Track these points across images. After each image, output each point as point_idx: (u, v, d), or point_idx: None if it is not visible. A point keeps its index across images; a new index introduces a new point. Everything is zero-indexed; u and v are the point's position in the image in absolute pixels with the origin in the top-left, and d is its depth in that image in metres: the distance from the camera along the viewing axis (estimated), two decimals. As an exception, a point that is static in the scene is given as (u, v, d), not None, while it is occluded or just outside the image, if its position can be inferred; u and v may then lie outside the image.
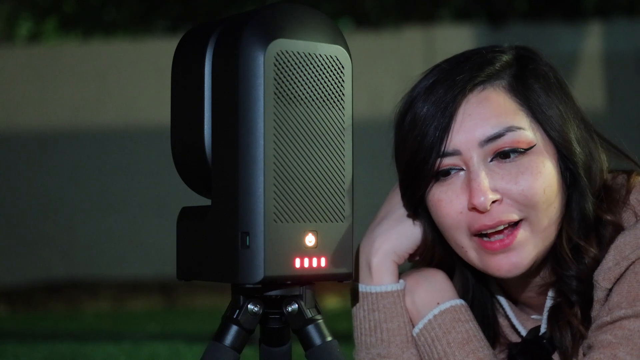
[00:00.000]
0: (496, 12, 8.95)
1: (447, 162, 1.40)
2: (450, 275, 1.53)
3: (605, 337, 1.34)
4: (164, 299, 7.45)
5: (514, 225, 1.39)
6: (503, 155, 1.39)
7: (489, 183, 1.38)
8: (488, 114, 1.39)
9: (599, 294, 1.38)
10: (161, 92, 7.36)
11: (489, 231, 1.39)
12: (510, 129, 1.39)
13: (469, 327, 1.45)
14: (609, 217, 1.41)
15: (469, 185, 1.38)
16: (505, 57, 1.45)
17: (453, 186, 1.41)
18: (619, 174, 1.47)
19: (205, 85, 1.22)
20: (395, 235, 1.47)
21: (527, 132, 1.39)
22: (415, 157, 1.41)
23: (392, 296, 1.46)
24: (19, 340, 4.52)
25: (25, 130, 8.34)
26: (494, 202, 1.38)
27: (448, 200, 1.41)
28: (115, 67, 8.35)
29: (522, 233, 1.39)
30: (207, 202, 1.25)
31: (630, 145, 1.52)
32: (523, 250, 1.39)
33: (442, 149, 1.39)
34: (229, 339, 1.23)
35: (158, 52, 7.78)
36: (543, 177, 1.39)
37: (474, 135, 1.39)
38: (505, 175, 1.38)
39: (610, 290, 1.37)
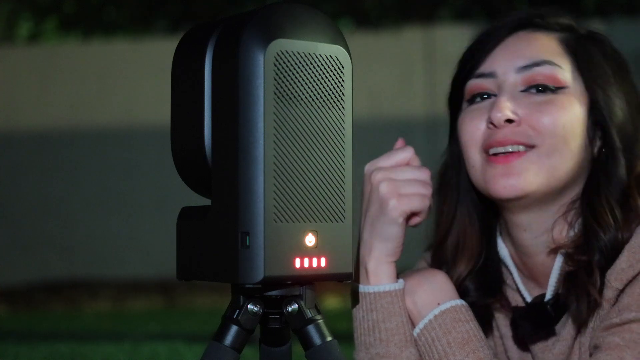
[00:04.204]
0: (496, 12, 8.95)
1: (482, 84, 1.47)
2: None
3: (612, 339, 1.34)
4: (164, 299, 7.45)
5: (524, 149, 1.42)
6: (534, 89, 1.44)
7: (510, 105, 1.43)
8: (531, 48, 1.46)
9: (609, 294, 1.37)
10: (161, 92, 7.37)
11: (500, 150, 1.43)
12: (549, 62, 1.45)
13: (469, 327, 1.45)
14: None
15: (492, 104, 1.44)
16: (574, 25, 1.51)
17: (479, 110, 1.47)
18: None
19: (205, 85, 1.22)
20: (379, 238, 1.45)
21: (565, 72, 1.45)
22: (462, 65, 1.51)
23: (390, 296, 1.45)
24: (19, 340, 4.51)
25: (25, 130, 8.35)
26: (510, 122, 1.42)
27: (471, 118, 1.47)
28: (115, 67, 8.36)
29: (528, 157, 1.42)
30: (207, 202, 1.25)
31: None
32: (523, 175, 1.41)
33: (478, 69, 1.48)
34: (229, 339, 1.23)
35: (158, 52, 7.78)
36: (565, 113, 1.43)
37: (512, 62, 1.45)
38: (530, 104, 1.43)
39: (622, 291, 1.36)
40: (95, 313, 7.02)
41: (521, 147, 1.42)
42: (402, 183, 1.45)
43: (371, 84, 7.77)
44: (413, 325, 1.47)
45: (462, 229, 1.54)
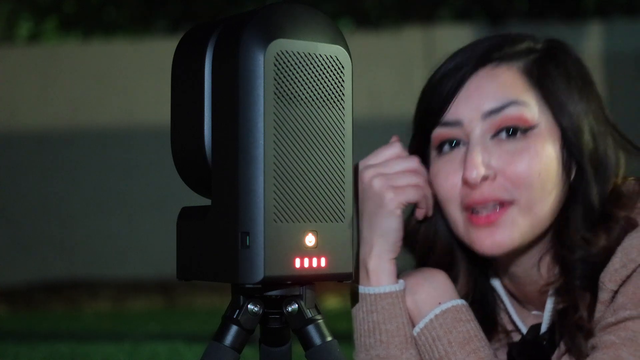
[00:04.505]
0: (496, 12, 8.95)
1: (449, 132, 1.43)
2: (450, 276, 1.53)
3: (609, 338, 1.35)
4: (164, 299, 7.45)
5: (504, 205, 1.41)
6: (504, 134, 1.41)
7: (483, 159, 1.40)
8: (495, 88, 1.42)
9: (604, 296, 1.38)
10: (161, 92, 7.36)
11: (479, 207, 1.41)
12: (514, 102, 1.40)
13: (470, 327, 1.45)
14: (622, 213, 1.41)
15: (465, 159, 1.41)
16: (531, 44, 1.47)
17: (452, 161, 1.44)
18: (628, 179, 1.47)
19: (205, 85, 1.22)
20: (377, 233, 1.46)
21: (532, 109, 1.41)
22: (425, 112, 1.47)
23: (390, 297, 1.45)
24: (19, 340, 4.52)
25: (25, 130, 8.35)
26: (486, 178, 1.40)
27: (445, 173, 1.44)
28: (115, 67, 8.36)
29: (509, 213, 1.40)
30: (207, 202, 1.25)
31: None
32: (508, 230, 1.41)
33: (442, 117, 1.43)
34: (229, 339, 1.23)
35: (158, 52, 7.78)
36: (539, 160, 1.40)
37: (477, 107, 1.41)
38: (503, 154, 1.40)
39: (616, 292, 1.37)
40: (95, 313, 7.01)
41: (500, 203, 1.41)
42: (394, 176, 1.46)
43: (371, 84, 7.77)
44: (413, 325, 1.47)
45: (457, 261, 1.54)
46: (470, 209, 1.42)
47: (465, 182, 1.41)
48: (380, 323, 1.45)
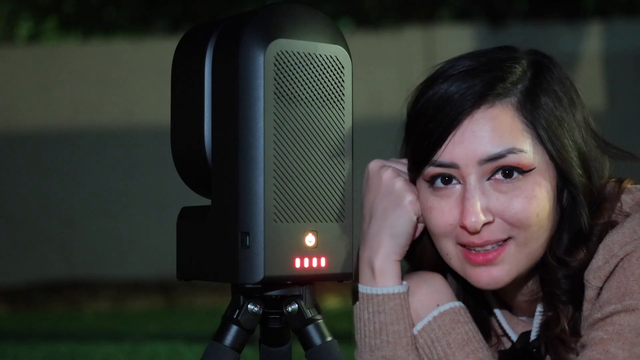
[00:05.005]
0: (496, 12, 8.95)
1: (443, 171, 1.41)
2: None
3: (597, 334, 1.35)
4: (164, 299, 7.46)
5: (501, 241, 1.40)
6: (501, 174, 1.39)
7: (482, 204, 1.39)
8: (492, 133, 1.39)
9: (590, 293, 1.39)
10: (161, 92, 7.36)
11: (477, 248, 1.41)
12: (512, 151, 1.38)
13: (468, 328, 1.45)
14: (600, 221, 1.42)
15: (463, 203, 1.39)
16: (519, 70, 1.43)
17: (447, 199, 1.42)
18: (609, 182, 1.47)
19: (205, 85, 1.22)
20: (389, 232, 1.45)
21: (529, 154, 1.39)
22: (416, 148, 1.43)
23: (398, 298, 1.45)
24: (19, 340, 4.51)
25: (25, 130, 8.35)
26: (485, 223, 1.39)
27: (440, 211, 1.42)
28: (115, 67, 8.36)
29: (507, 250, 1.40)
30: (207, 202, 1.25)
31: (630, 145, 1.52)
32: (505, 266, 1.41)
33: (436, 158, 1.40)
34: (229, 339, 1.23)
35: (158, 52, 7.78)
36: (537, 201, 1.39)
37: (475, 153, 1.39)
38: (500, 196, 1.39)
39: (601, 288, 1.38)
40: (95, 313, 7.02)
41: (499, 242, 1.41)
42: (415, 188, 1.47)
43: (371, 84, 7.77)
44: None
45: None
46: (465, 245, 1.42)
47: (464, 228, 1.40)
48: (387, 324, 1.44)
